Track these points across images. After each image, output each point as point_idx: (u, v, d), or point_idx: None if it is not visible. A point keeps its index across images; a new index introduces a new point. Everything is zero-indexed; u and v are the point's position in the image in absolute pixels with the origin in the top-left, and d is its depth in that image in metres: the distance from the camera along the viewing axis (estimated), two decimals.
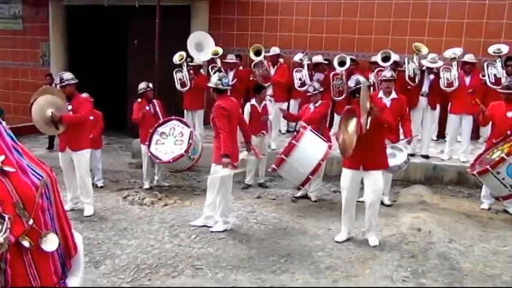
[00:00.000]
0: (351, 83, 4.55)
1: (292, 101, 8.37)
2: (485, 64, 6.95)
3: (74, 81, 5.33)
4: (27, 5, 10.71)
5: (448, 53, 7.04)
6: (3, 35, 11.06)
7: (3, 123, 2.04)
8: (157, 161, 6.26)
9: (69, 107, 5.21)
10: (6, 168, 1.86)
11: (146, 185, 6.48)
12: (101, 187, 6.60)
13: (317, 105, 6.08)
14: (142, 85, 6.57)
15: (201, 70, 7.96)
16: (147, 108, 6.53)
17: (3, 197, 1.79)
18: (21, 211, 1.85)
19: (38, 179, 2.00)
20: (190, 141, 6.05)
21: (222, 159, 4.65)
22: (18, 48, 10.99)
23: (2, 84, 11.28)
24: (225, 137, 4.67)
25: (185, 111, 8.00)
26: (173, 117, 6.48)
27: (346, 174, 4.58)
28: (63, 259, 2.15)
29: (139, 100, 6.61)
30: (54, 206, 2.11)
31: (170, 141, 6.21)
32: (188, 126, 6.34)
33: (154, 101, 6.66)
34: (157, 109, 6.56)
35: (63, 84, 5.28)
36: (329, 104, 6.42)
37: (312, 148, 5.67)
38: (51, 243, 1.96)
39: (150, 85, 6.61)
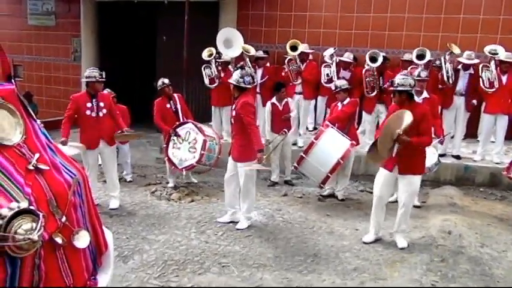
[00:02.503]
0: (401, 81, 4.31)
1: (319, 98, 8.30)
2: None
3: (104, 79, 5.36)
4: (59, 2, 10.93)
5: (488, 49, 6.79)
6: (37, 31, 11.34)
7: (38, 121, 2.08)
8: (172, 167, 6.19)
9: (102, 104, 5.25)
10: (41, 166, 1.89)
11: (171, 183, 6.42)
12: (130, 181, 6.70)
13: (345, 103, 5.99)
14: (158, 82, 6.44)
15: (229, 66, 7.96)
16: (168, 106, 6.36)
17: (38, 195, 1.83)
18: (54, 208, 1.88)
19: (71, 176, 2.04)
20: (202, 151, 5.84)
21: (254, 155, 4.67)
22: (51, 43, 11.24)
23: (35, 79, 11.57)
24: (256, 132, 4.67)
25: (213, 107, 8.03)
26: (189, 120, 6.26)
27: (381, 174, 4.51)
28: (94, 256, 2.18)
29: (159, 98, 6.44)
30: (86, 203, 2.15)
31: (185, 147, 6.03)
32: (202, 133, 5.99)
33: (176, 96, 6.45)
34: (178, 106, 6.39)
35: (99, 80, 5.26)
36: (357, 102, 6.29)
37: (331, 146, 5.61)
38: (82, 240, 2.00)
39: (166, 81, 6.39)
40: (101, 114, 5.25)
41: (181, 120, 6.27)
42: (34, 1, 11.20)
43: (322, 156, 5.57)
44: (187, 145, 6.03)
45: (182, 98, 6.62)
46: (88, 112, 5.20)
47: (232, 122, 4.92)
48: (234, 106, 4.84)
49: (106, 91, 5.84)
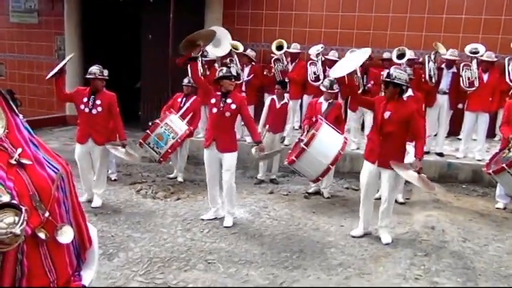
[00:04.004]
0: (399, 74, 4.33)
1: (305, 97, 8.35)
2: (506, 59, 6.83)
3: (104, 77, 5.43)
4: None
5: (469, 49, 6.91)
6: (19, 29, 11.16)
7: (20, 116, 2.06)
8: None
9: (98, 102, 5.29)
10: (23, 161, 1.87)
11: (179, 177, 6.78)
12: (115, 180, 6.66)
13: (330, 101, 6.01)
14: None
15: (215, 65, 7.96)
16: (179, 100, 6.73)
17: (20, 189, 1.81)
18: (37, 203, 1.86)
19: (54, 171, 2.01)
20: (148, 131, 6.14)
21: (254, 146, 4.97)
22: (34, 41, 11.07)
23: (17, 77, 11.40)
24: (254, 124, 4.92)
25: None
26: (173, 111, 6.46)
27: (365, 167, 4.59)
28: (78, 251, 2.16)
29: (180, 92, 6.92)
30: (70, 198, 2.12)
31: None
32: (162, 119, 6.21)
33: (194, 97, 6.76)
34: (187, 105, 6.66)
35: (98, 77, 5.31)
36: (340, 105, 6.30)
37: (330, 138, 5.62)
38: (66, 235, 1.98)
39: (186, 80, 6.79)
40: (94, 111, 5.29)
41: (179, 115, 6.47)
42: None
43: (323, 147, 5.48)
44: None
45: (198, 102, 6.81)
46: (82, 106, 5.32)
47: (228, 115, 4.84)
48: (228, 100, 4.82)
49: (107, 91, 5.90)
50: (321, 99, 6.06)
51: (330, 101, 5.99)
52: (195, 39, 4.89)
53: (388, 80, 4.35)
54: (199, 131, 7.74)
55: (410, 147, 5.40)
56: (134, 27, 9.88)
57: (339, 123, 5.97)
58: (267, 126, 6.37)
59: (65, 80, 5.47)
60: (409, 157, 5.40)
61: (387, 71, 4.71)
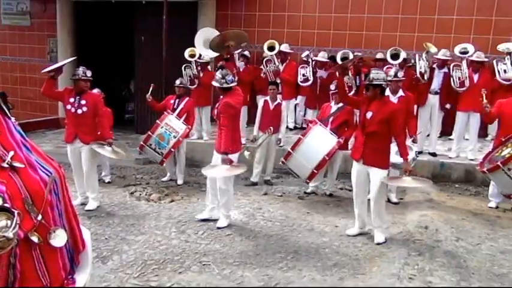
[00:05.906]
0: (376, 75, 4.42)
1: (299, 97, 8.38)
2: (494, 61, 6.91)
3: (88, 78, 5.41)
4: (34, 1, 10.72)
5: (458, 49, 6.96)
6: (11, 31, 11.09)
7: (13, 119, 2.05)
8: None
9: (83, 102, 5.30)
10: (16, 164, 1.86)
11: (166, 178, 6.84)
12: (108, 183, 6.63)
13: (339, 105, 5.98)
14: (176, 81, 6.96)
15: (208, 67, 7.96)
16: (171, 101, 6.76)
17: (13, 193, 1.80)
18: (30, 207, 1.86)
19: (47, 175, 2.01)
20: (149, 132, 6.28)
21: (239, 147, 4.83)
22: (26, 44, 11.01)
23: (10, 80, 11.32)
24: (227, 134, 4.67)
25: None
26: (171, 112, 6.56)
27: (354, 166, 4.65)
28: (71, 254, 2.16)
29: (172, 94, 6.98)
30: (63, 202, 2.12)
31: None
32: (162, 119, 6.35)
33: (186, 98, 6.79)
34: (181, 106, 6.69)
35: (81, 78, 5.29)
36: (352, 110, 6.09)
37: (318, 143, 5.66)
38: (59, 238, 1.97)
39: (178, 82, 6.84)
40: (79, 111, 5.31)
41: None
42: (8, 0, 10.95)
43: (308, 152, 5.61)
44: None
45: (191, 103, 6.90)
46: (69, 106, 5.36)
47: (215, 118, 4.97)
48: (217, 104, 4.85)
49: (96, 91, 6.00)
50: (332, 102, 6.07)
51: (340, 105, 5.99)
52: (225, 39, 4.93)
53: (367, 83, 4.50)
54: (193, 132, 7.73)
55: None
56: (127, 29, 9.85)
57: (348, 127, 5.97)
58: (271, 128, 6.35)
59: (56, 81, 5.45)
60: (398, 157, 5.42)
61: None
